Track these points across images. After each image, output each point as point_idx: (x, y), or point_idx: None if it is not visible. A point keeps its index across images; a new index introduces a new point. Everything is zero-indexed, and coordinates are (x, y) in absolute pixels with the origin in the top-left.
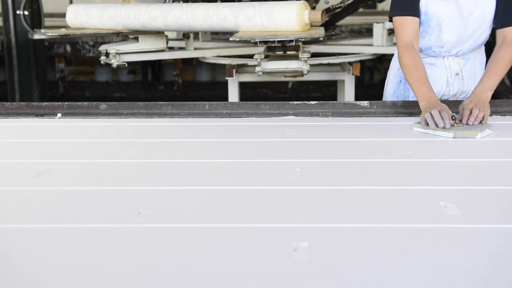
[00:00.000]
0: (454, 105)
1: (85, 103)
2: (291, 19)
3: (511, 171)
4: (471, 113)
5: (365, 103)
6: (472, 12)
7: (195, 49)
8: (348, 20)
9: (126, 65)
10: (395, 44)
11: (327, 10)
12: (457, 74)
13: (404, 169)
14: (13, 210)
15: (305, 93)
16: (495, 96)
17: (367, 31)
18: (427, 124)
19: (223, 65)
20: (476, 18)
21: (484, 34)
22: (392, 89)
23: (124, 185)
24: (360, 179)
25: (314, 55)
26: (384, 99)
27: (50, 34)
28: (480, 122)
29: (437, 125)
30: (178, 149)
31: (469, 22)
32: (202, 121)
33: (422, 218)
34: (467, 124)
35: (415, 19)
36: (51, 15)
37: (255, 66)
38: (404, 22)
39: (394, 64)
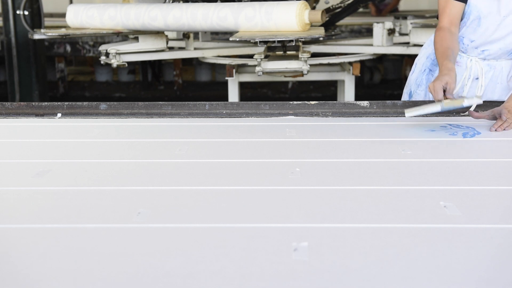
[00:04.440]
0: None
1: (85, 103)
2: (291, 19)
3: (511, 171)
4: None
5: (365, 103)
6: (510, 13)
7: (195, 49)
8: (348, 20)
9: (126, 65)
10: (395, 44)
11: (327, 10)
12: (477, 78)
13: (404, 169)
14: (13, 210)
15: (305, 93)
16: None
17: (367, 31)
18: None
19: (223, 65)
20: None
21: None
22: (416, 76)
23: (124, 185)
24: (360, 179)
25: (314, 55)
26: (407, 86)
27: (50, 34)
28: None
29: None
30: (178, 149)
31: (504, 23)
32: (202, 121)
33: (422, 218)
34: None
35: (458, 4)
36: (51, 15)
37: (255, 66)
38: (446, 5)
39: (423, 52)
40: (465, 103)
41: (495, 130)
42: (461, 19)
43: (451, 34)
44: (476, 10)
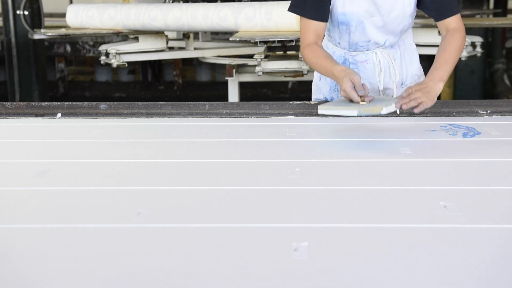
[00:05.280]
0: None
1: (85, 103)
2: (291, 19)
3: (511, 171)
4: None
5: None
6: (391, 10)
7: (195, 49)
8: None
9: (126, 65)
10: None
11: None
12: (388, 66)
13: (404, 169)
14: (13, 210)
15: (305, 93)
16: (495, 96)
17: None
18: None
19: (223, 65)
20: (397, 15)
21: (407, 25)
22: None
23: (124, 185)
24: (360, 179)
25: None
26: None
27: (50, 34)
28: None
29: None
30: (178, 149)
31: (389, 19)
32: (202, 121)
33: (422, 218)
34: (400, 107)
35: (320, 23)
36: (51, 15)
37: (255, 66)
38: (308, 25)
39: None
40: (383, 111)
41: (401, 108)
42: (344, 34)
43: (320, 47)
44: (356, 16)
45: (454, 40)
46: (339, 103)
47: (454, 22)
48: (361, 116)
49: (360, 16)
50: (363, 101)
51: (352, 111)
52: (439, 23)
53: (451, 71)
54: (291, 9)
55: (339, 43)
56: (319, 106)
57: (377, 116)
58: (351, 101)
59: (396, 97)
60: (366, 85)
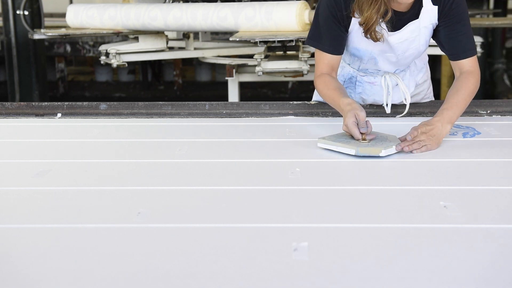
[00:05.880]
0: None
1: (85, 103)
2: (291, 19)
3: (511, 171)
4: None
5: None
6: (406, 50)
7: (195, 49)
8: None
9: (126, 65)
10: None
11: None
12: (396, 84)
13: (404, 169)
14: (13, 210)
15: (305, 93)
16: (495, 96)
17: None
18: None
19: (223, 65)
20: (411, 54)
21: (419, 57)
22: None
23: (124, 185)
24: (360, 179)
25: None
26: None
27: (50, 34)
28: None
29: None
30: (178, 149)
31: (403, 57)
32: (202, 121)
33: (422, 218)
34: (404, 148)
35: (335, 56)
36: (51, 15)
37: (255, 66)
38: (323, 57)
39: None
40: (382, 154)
41: (402, 149)
42: (355, 62)
43: (333, 78)
44: (368, 52)
45: (468, 83)
46: (339, 138)
47: (468, 64)
48: (357, 155)
49: (373, 53)
50: (364, 139)
51: (350, 149)
52: (453, 63)
53: (461, 114)
54: (308, 41)
55: (349, 64)
56: (319, 139)
57: (375, 157)
58: (352, 136)
59: (399, 137)
60: (370, 122)
